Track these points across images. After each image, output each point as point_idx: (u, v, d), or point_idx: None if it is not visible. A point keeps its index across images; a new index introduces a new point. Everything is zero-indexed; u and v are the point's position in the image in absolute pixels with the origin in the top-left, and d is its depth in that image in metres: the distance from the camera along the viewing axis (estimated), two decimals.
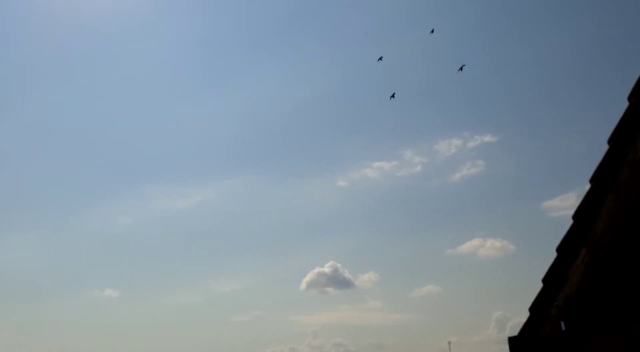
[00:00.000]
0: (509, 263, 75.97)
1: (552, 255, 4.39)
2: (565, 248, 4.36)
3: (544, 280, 4.42)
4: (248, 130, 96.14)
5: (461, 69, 36.65)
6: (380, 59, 36.77)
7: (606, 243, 4.22)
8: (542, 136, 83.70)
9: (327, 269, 78.50)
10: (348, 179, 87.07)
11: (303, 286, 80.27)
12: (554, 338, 4.30)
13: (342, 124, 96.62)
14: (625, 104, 4.27)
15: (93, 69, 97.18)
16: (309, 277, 78.71)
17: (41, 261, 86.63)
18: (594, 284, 4.26)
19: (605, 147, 4.30)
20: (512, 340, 4.43)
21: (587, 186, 4.34)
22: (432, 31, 36.85)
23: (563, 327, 4.33)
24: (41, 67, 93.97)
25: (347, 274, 78.81)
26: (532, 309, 4.45)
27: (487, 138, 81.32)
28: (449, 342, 58.04)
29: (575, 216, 4.34)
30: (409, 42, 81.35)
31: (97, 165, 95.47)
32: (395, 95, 35.41)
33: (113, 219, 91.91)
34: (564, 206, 73.82)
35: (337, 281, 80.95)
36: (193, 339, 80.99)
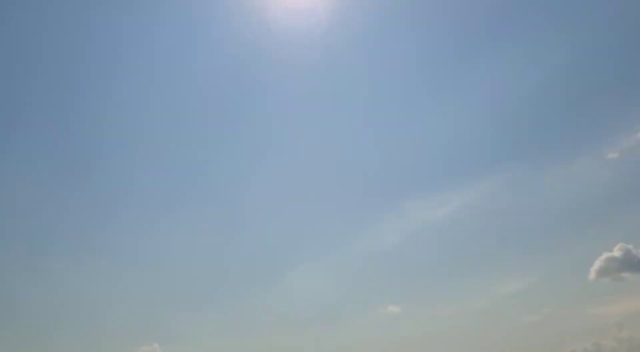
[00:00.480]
0: None
1: None
2: None
3: None
4: (492, 123, 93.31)
5: None
6: None
7: None
8: None
9: (616, 253, 70.51)
10: (619, 150, 78.03)
11: (592, 275, 73.11)
12: None
13: (597, 92, 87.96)
14: None
15: (320, 97, 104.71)
16: (597, 265, 71.49)
17: (330, 285, 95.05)
18: None
19: None
20: None
21: None
22: None
23: None
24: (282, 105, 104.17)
25: None
26: None
27: None
28: None
29: None
30: None
31: (356, 191, 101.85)
32: None
33: (381, 239, 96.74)
34: None
35: (632, 264, 71.79)
36: (483, 344, 79.78)
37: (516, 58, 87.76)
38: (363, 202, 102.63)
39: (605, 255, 69.51)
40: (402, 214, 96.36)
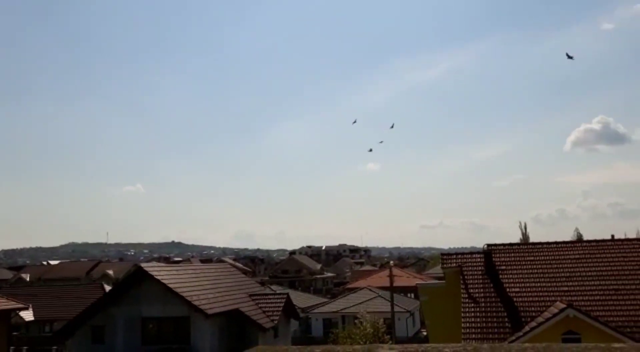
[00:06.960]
0: None
1: None
2: None
3: None
4: None
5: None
6: None
7: None
8: None
9: (595, 125, 70.17)
10: (615, 20, 75.25)
11: (567, 146, 72.79)
12: None
13: None
14: None
15: None
16: (573, 136, 71.53)
17: (315, 140, 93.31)
18: None
19: None
20: None
21: None
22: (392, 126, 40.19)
23: None
24: None
25: (621, 129, 67.91)
26: None
27: None
28: None
29: None
30: None
31: (345, 47, 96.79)
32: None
33: (368, 98, 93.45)
34: None
35: (609, 136, 70.16)
36: (453, 204, 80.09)
37: None
38: (352, 59, 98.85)
39: (584, 126, 68.82)
40: (390, 73, 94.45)
